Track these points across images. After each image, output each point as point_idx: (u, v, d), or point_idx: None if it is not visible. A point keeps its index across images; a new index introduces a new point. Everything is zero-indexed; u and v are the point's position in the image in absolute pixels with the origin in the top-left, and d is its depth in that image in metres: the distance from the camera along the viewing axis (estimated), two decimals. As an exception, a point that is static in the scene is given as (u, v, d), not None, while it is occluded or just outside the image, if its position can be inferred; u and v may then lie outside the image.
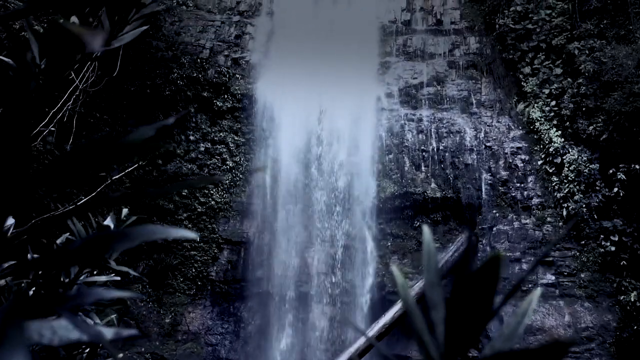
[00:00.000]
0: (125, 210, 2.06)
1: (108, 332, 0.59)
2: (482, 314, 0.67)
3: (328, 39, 19.09)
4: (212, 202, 17.37)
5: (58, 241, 1.93)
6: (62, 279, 1.83)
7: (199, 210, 17.29)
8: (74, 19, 1.33)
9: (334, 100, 17.66)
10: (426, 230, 0.86)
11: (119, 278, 1.99)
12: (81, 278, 1.89)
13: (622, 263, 14.73)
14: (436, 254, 0.82)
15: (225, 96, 18.04)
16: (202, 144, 17.76)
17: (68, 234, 1.95)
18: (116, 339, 0.62)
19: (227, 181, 17.65)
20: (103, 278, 1.97)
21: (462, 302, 0.68)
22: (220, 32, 18.91)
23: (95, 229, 1.96)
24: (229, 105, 18.02)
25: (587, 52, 15.81)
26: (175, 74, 17.57)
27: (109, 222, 2.04)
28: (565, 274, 15.39)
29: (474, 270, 0.67)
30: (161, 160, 17.37)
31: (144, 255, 16.80)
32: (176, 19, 18.40)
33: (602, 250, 15.01)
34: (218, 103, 17.94)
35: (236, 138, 17.99)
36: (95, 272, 1.98)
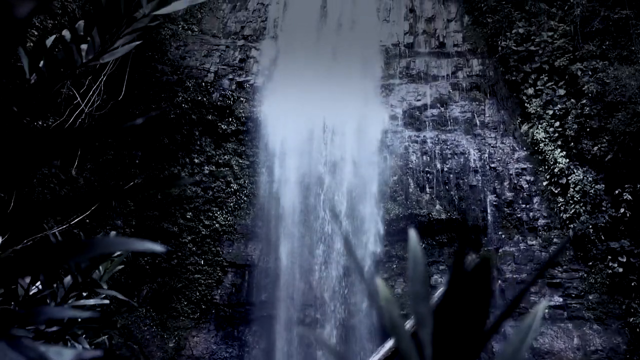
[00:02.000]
0: (112, 233, 2.02)
1: (67, 354, 0.56)
2: (476, 328, 0.61)
3: (332, 63, 19.24)
4: (217, 225, 17.33)
5: None
6: (47, 301, 1.78)
7: (203, 233, 17.24)
8: (66, 33, 1.33)
9: (338, 123, 17.72)
10: (412, 234, 0.82)
11: (107, 301, 1.93)
12: (70, 301, 1.84)
13: (631, 284, 14.55)
14: (423, 260, 0.76)
15: (230, 119, 18.12)
16: (206, 167, 17.79)
17: None
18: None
19: (232, 204, 17.63)
20: (91, 301, 1.91)
21: (451, 314, 0.62)
22: (225, 56, 19.08)
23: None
24: (233, 128, 18.09)
25: (590, 73, 15.86)
26: (180, 98, 17.69)
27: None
28: (573, 295, 15.21)
29: (463, 274, 0.63)
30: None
31: (147, 279, 16.72)
32: (181, 44, 18.61)
33: (610, 271, 14.85)
34: (222, 126, 18.01)
35: (240, 161, 18.01)
36: (85, 295, 1.92)
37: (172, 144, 17.72)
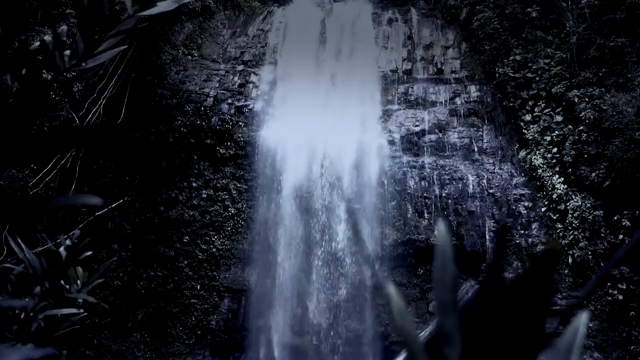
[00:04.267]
0: (76, 232, 1.96)
1: (14, 354, 0.52)
2: (529, 343, 0.51)
3: (330, 88, 19.38)
4: (214, 249, 17.22)
5: (13, 272, 1.79)
6: (19, 314, 1.70)
7: (200, 257, 17.12)
8: (48, 37, 1.31)
9: (337, 148, 17.75)
10: (441, 226, 0.72)
11: (83, 311, 1.84)
12: (39, 315, 1.74)
13: (630, 313, 14.40)
14: (453, 260, 0.66)
15: (228, 143, 18.15)
16: (204, 191, 17.75)
17: (23, 265, 1.81)
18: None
19: (229, 228, 17.54)
20: (64, 310, 1.80)
21: (494, 326, 0.52)
22: (224, 80, 19.21)
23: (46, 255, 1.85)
24: (231, 153, 18.11)
25: (586, 99, 15.95)
26: (179, 122, 17.75)
27: (62, 250, 1.92)
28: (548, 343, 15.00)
29: (516, 275, 0.54)
30: (163, 206, 17.34)
31: (143, 303, 16.55)
32: (181, 68, 18.75)
33: (610, 298, 14.71)
34: (221, 150, 18.04)
35: (238, 185, 17.99)
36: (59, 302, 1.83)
37: (171, 167, 17.72)
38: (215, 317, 16.71)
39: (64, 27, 1.34)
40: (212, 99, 18.65)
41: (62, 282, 1.89)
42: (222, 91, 18.94)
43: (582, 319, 0.67)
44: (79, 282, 1.91)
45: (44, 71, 1.34)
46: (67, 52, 1.36)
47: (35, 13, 12.29)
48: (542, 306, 0.54)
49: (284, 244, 17.08)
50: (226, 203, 17.74)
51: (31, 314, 1.70)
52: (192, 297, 16.78)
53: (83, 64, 1.36)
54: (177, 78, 18.55)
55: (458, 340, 0.59)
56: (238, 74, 19.55)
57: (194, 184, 17.77)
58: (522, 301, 0.54)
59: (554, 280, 0.50)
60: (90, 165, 16.04)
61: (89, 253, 1.97)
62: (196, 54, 19.75)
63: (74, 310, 1.80)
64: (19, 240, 1.78)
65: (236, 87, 19.21)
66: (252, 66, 20.08)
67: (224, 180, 17.97)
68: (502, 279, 0.57)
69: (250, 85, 19.37)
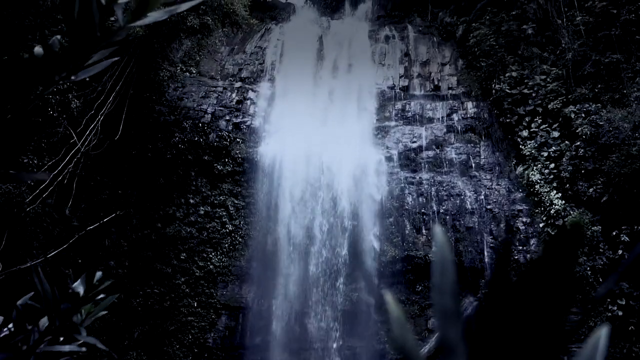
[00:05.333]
0: (98, 274, 1.91)
1: None
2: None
3: (328, 105, 19.46)
4: (211, 266, 17.12)
5: (19, 302, 1.73)
6: (21, 346, 1.64)
7: (197, 274, 17.01)
8: (38, 49, 1.29)
9: (335, 164, 17.76)
10: (438, 230, 0.69)
11: (84, 349, 1.77)
12: (41, 346, 1.68)
13: (630, 328, 14.31)
14: (453, 264, 0.62)
15: (226, 160, 18.15)
16: (201, 208, 17.70)
17: (33, 293, 1.75)
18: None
19: (227, 245, 17.46)
20: (67, 348, 1.73)
21: (504, 333, 0.48)
22: (222, 97, 19.27)
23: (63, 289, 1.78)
24: (229, 169, 18.10)
25: (583, 115, 16.03)
26: (177, 138, 17.76)
27: (78, 284, 1.87)
28: (573, 339, 14.91)
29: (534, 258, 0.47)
30: (160, 223, 17.27)
31: (139, 321, 16.39)
32: (179, 85, 18.81)
33: (610, 314, 14.62)
34: (219, 167, 18.03)
35: (236, 201, 17.94)
36: (61, 340, 1.76)
37: (168, 184, 17.68)
38: (212, 334, 16.56)
39: (56, 39, 1.32)
40: (210, 115, 18.69)
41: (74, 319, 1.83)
42: (220, 108, 18.99)
43: (603, 333, 0.63)
44: (83, 312, 1.86)
45: (34, 83, 1.32)
46: (58, 63, 1.34)
47: (34, 30, 12.35)
48: (564, 295, 0.51)
49: (282, 261, 16.99)
50: (224, 220, 17.68)
51: (32, 345, 1.65)
52: (189, 314, 16.64)
53: (72, 77, 1.34)
54: (175, 95, 18.61)
55: (462, 351, 0.55)
56: (236, 91, 19.62)
57: (191, 201, 17.72)
58: (539, 291, 0.50)
59: (576, 263, 0.46)
60: (88, 181, 16.01)
61: (104, 295, 1.93)
62: (194, 71, 19.84)
63: (76, 349, 1.74)
64: (40, 272, 1.73)
65: (234, 103, 19.27)
66: (250, 83, 20.17)
67: (221, 197, 17.93)
68: (509, 281, 0.54)
69: (248, 102, 19.43)
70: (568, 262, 0.48)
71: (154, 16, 1.25)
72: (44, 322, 1.78)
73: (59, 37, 1.37)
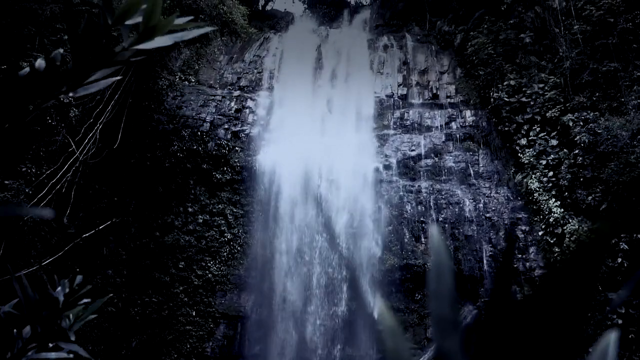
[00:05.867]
0: (79, 278, 1.88)
1: None
2: None
3: (326, 113, 19.48)
4: (210, 275, 17.06)
5: (1, 310, 1.70)
6: (4, 355, 1.61)
7: (195, 283, 16.96)
8: (41, 62, 1.28)
9: (333, 173, 17.76)
10: (434, 230, 0.66)
11: (72, 356, 1.74)
12: (29, 354, 1.65)
13: (630, 336, 14.25)
14: (450, 266, 0.59)
15: (225, 168, 18.14)
16: (200, 216, 17.67)
17: (17, 300, 1.72)
18: None
19: (225, 253, 17.42)
20: (53, 355, 1.70)
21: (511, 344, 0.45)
22: (221, 106, 19.30)
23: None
24: (228, 178, 18.09)
25: (581, 123, 16.05)
26: (176, 147, 17.76)
27: (60, 290, 1.84)
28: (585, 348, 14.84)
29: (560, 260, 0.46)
30: (159, 232, 17.23)
31: (137, 330, 16.31)
32: (178, 94, 18.84)
33: (609, 322, 14.57)
34: (217, 175, 18.02)
35: (235, 210, 17.92)
36: (51, 346, 1.73)
37: (167, 192, 17.66)
38: (210, 344, 16.47)
39: (59, 53, 1.32)
40: (208, 124, 18.71)
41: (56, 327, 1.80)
42: (218, 116, 19.02)
43: (612, 338, 0.60)
44: (71, 316, 1.83)
45: (33, 96, 1.32)
46: (58, 78, 1.33)
47: (33, 39, 12.37)
48: (584, 302, 0.48)
49: (281, 269, 16.94)
50: (222, 228, 17.65)
51: (17, 353, 1.63)
52: (187, 323, 16.56)
53: (71, 93, 1.33)
54: (174, 103, 18.63)
55: None
56: (234, 99, 19.65)
57: (190, 209, 17.70)
58: (557, 298, 0.48)
59: (599, 271, 0.43)
60: (86, 190, 15.98)
61: (88, 300, 1.90)
62: (193, 80, 19.88)
63: (63, 355, 1.71)
64: (23, 279, 1.71)
65: (233, 112, 19.30)
66: (249, 91, 20.21)
67: (220, 205, 17.91)
68: (511, 290, 0.52)
69: (247, 111, 19.46)
70: (593, 269, 0.47)
71: (159, 41, 1.25)
72: (27, 331, 1.76)
73: (61, 50, 1.37)
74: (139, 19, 1.23)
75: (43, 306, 1.76)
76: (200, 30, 1.30)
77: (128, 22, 1.24)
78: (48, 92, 1.29)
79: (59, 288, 1.83)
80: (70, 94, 1.32)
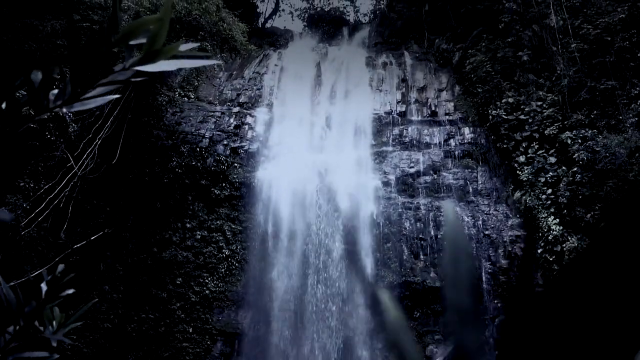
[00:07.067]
0: (60, 266, 1.84)
1: None
2: None
3: (325, 130, 19.52)
4: (207, 292, 16.95)
5: None
6: None
7: (192, 299, 16.84)
8: (38, 74, 1.27)
9: (332, 189, 17.73)
10: (447, 205, 0.61)
11: (57, 356, 1.70)
12: (13, 355, 1.61)
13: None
14: (467, 248, 0.56)
15: (223, 184, 18.13)
16: (198, 232, 17.61)
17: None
18: None
19: (223, 270, 17.33)
20: (36, 354, 1.66)
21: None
22: (220, 122, 19.34)
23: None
24: (226, 194, 18.06)
25: (579, 141, 16.08)
26: (175, 162, 17.76)
27: (42, 284, 1.80)
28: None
29: None
30: (156, 247, 17.16)
31: (133, 347, 16.15)
32: (177, 110, 18.89)
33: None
34: (216, 191, 17.99)
35: (233, 226, 17.87)
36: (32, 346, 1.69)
37: (165, 208, 17.62)
38: (207, 361, 16.31)
39: (56, 67, 1.31)
40: (207, 140, 18.73)
41: (37, 323, 1.77)
42: (217, 132, 19.05)
43: None
44: (54, 322, 1.80)
45: (27, 109, 1.31)
46: (55, 92, 1.32)
47: (33, 55, 12.42)
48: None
49: (279, 286, 16.84)
50: (220, 244, 17.58)
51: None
52: (184, 340, 16.42)
53: (64, 108, 1.32)
54: (173, 119, 18.67)
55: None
56: (234, 116, 19.70)
57: (188, 225, 17.64)
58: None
59: None
60: (84, 205, 15.94)
61: (71, 291, 1.85)
62: (192, 96, 19.95)
63: (45, 354, 1.67)
64: (2, 282, 1.68)
65: (232, 128, 19.33)
66: (248, 108, 20.28)
67: (218, 222, 17.86)
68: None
69: (246, 127, 19.50)
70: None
71: (162, 66, 1.23)
72: (11, 329, 1.72)
73: (57, 68, 1.36)
74: (143, 40, 1.21)
75: (25, 300, 1.73)
76: (204, 62, 1.29)
77: (132, 42, 1.22)
78: (42, 105, 1.28)
79: (42, 284, 1.79)
80: (65, 109, 1.31)
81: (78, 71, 1.24)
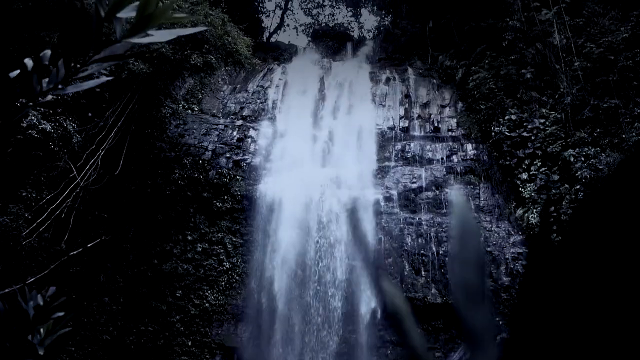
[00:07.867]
0: (52, 289, 1.81)
1: None
2: None
3: (328, 144, 19.55)
4: (207, 305, 16.87)
5: None
6: None
7: (192, 312, 16.76)
8: (28, 61, 1.25)
9: (334, 204, 17.72)
10: (455, 193, 0.58)
11: None
12: None
13: None
14: (474, 224, 0.54)
15: (225, 197, 18.12)
16: (199, 245, 17.57)
17: None
18: None
19: (223, 283, 17.26)
20: None
21: None
22: (223, 135, 19.39)
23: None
24: (228, 206, 18.05)
25: (582, 159, 16.05)
26: (177, 174, 17.78)
27: (30, 304, 1.76)
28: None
29: None
30: (157, 259, 17.11)
31: (132, 359, 16.05)
32: (181, 122, 18.95)
33: None
34: (217, 204, 17.98)
35: (234, 239, 17.83)
36: None
37: (166, 220, 17.60)
38: (206, 375, 16.19)
39: (48, 52, 1.29)
40: (210, 152, 18.77)
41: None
42: (220, 145, 19.09)
43: None
44: (42, 330, 1.76)
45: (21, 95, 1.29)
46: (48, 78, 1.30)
47: (28, 41, 12.36)
48: None
49: (279, 300, 16.75)
50: (221, 257, 17.53)
51: None
52: (183, 353, 16.31)
53: (60, 87, 1.29)
54: (177, 131, 18.73)
55: (492, 339, 0.46)
56: (237, 129, 19.76)
57: (189, 237, 17.61)
58: None
59: None
60: (85, 216, 15.93)
61: (61, 314, 1.81)
62: (196, 108, 20.03)
63: None
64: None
65: (235, 141, 19.38)
66: (251, 121, 20.34)
67: (219, 234, 17.82)
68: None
69: (249, 140, 19.54)
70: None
71: (157, 36, 1.18)
72: None
73: (49, 52, 1.33)
74: (133, 14, 1.14)
75: (14, 321, 1.70)
76: (199, 28, 1.27)
77: (120, 15, 1.16)
78: (35, 91, 1.25)
79: (31, 302, 1.76)
80: (60, 87, 1.28)
81: (69, 49, 1.21)
